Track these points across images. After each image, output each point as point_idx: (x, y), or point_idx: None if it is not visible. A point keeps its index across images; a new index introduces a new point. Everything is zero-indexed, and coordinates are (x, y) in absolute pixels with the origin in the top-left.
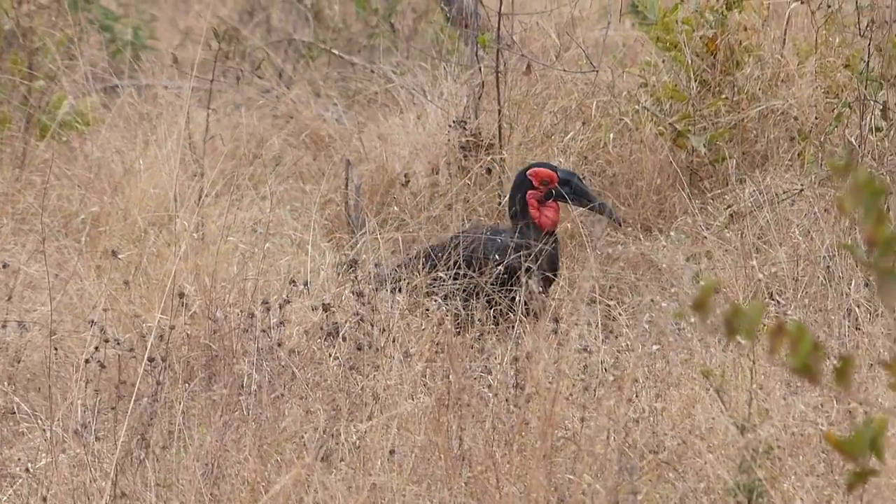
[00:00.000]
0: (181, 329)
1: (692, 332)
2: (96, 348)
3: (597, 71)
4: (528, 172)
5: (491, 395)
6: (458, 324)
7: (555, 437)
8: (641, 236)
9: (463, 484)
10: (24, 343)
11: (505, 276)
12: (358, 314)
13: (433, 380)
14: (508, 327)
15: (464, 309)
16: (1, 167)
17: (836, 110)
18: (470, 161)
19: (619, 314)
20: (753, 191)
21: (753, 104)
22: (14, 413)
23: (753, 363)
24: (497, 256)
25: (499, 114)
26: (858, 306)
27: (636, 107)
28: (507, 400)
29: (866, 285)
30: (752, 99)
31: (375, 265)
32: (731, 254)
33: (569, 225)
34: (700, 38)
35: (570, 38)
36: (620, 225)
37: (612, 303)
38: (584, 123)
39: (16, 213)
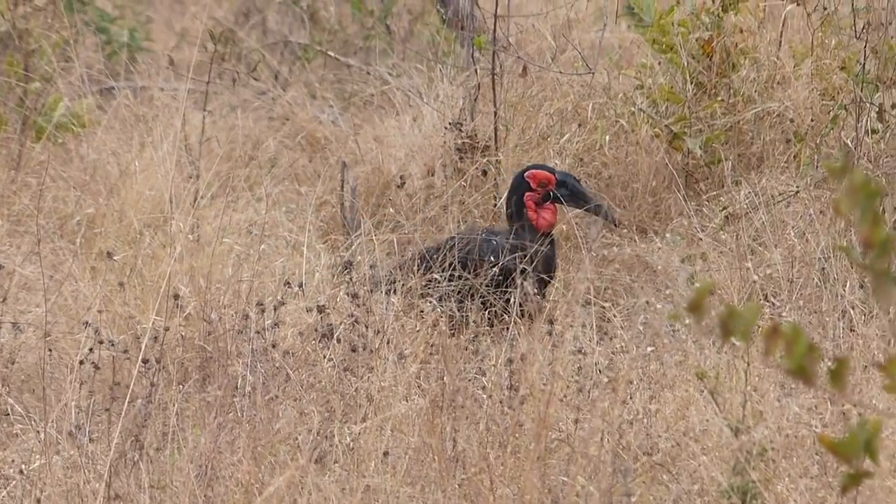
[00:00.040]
0: (175, 330)
1: (687, 333)
2: (91, 350)
3: (593, 73)
4: (526, 174)
5: (485, 396)
6: (453, 325)
7: (549, 438)
8: (637, 238)
9: (457, 486)
10: (18, 344)
11: (500, 277)
12: (352, 316)
13: (427, 381)
14: (503, 329)
15: (458, 310)
16: None
17: (831, 112)
18: (466, 163)
19: (614, 316)
20: (749, 193)
21: (749, 106)
22: (8, 414)
23: (748, 365)
24: (492, 258)
25: (495, 116)
26: (853, 308)
27: (632, 109)
28: (501, 401)
29: (861, 287)
30: (748, 101)
31: (371, 267)
32: (726, 255)
33: (564, 227)
34: (696, 40)
35: (566, 40)
36: (617, 226)
37: (606, 304)
38: (580, 125)
39: (11, 215)
